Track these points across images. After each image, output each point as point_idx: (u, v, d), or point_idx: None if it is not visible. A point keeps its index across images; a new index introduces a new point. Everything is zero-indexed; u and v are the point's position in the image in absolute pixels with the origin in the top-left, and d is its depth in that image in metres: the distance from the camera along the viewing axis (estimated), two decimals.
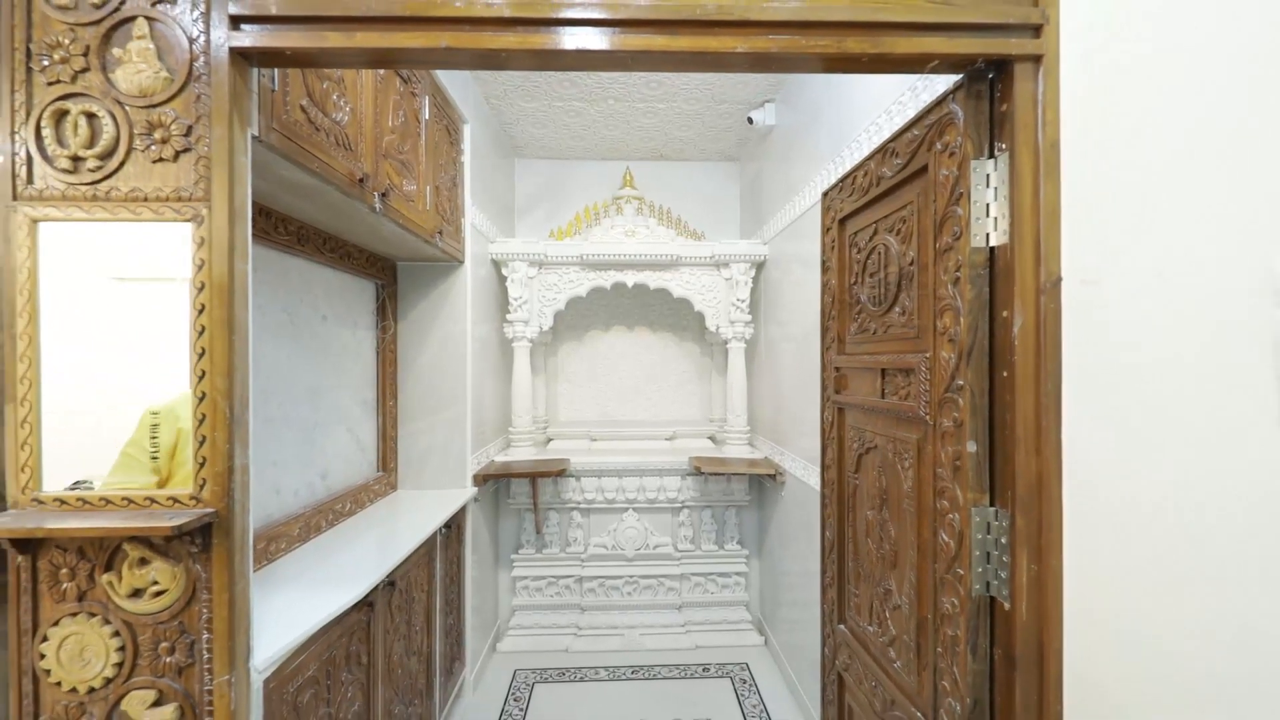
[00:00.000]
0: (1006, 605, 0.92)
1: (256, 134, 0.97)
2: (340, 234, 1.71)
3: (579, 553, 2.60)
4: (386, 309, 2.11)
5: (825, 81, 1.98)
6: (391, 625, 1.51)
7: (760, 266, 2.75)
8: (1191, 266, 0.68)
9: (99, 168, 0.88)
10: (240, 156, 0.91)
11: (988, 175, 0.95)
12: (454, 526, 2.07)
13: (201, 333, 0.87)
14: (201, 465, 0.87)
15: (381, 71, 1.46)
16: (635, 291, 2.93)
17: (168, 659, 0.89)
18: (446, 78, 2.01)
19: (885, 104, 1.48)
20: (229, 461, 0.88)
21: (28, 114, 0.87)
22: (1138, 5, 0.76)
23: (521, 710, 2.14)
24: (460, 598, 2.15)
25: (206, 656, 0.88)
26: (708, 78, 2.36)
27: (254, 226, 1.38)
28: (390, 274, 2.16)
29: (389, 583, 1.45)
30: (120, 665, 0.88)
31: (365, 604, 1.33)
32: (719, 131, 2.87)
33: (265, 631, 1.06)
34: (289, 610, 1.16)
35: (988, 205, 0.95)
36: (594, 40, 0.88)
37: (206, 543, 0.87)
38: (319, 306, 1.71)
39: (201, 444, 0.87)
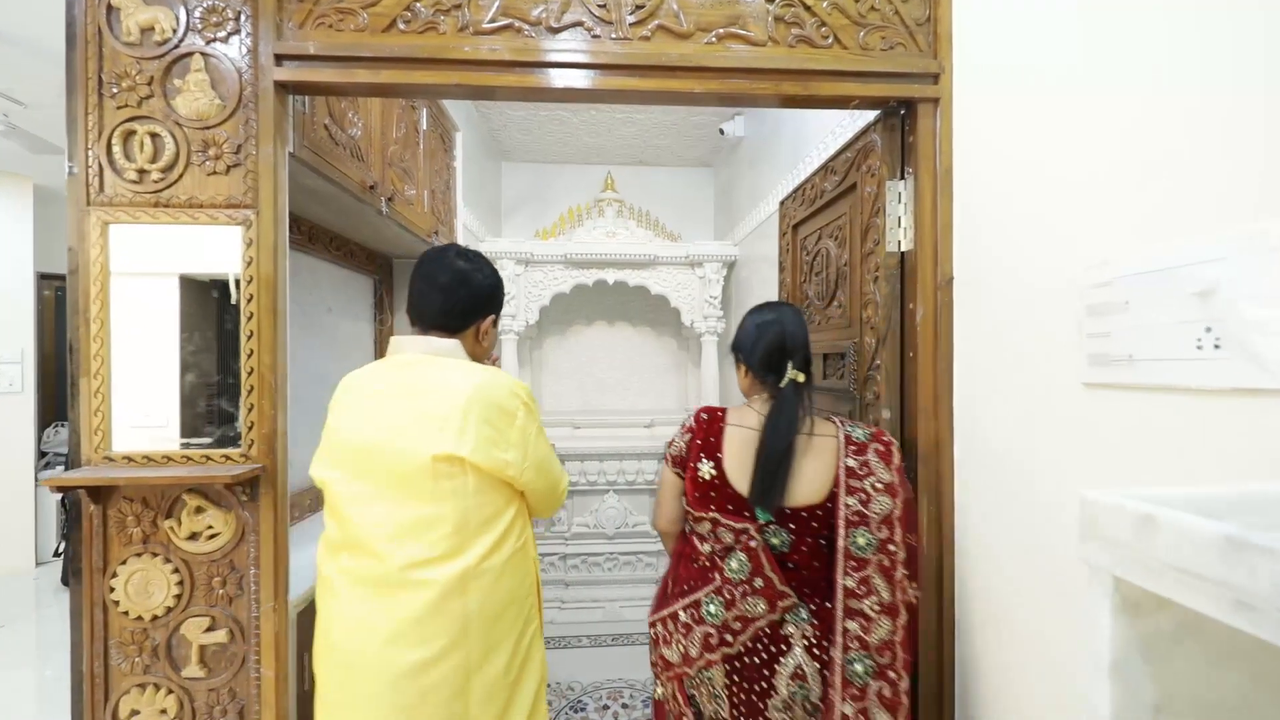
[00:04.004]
0: (912, 539, 1.14)
1: (291, 151, 1.14)
2: (345, 233, 1.87)
3: (563, 532, 2.79)
4: (383, 302, 2.28)
5: None
6: None
7: (731, 266, 2.97)
8: (1031, 271, 0.91)
9: (161, 179, 1.04)
10: (281, 171, 1.08)
11: (899, 193, 1.17)
12: None
13: (250, 318, 1.04)
14: (250, 428, 1.04)
15: None
16: (616, 289, 3.12)
17: (220, 591, 1.06)
18: None
19: (831, 125, 1.70)
20: (273, 425, 1.05)
21: (100, 133, 1.03)
22: (1003, 70, 0.98)
23: None
24: None
25: (253, 588, 1.06)
26: None
27: None
28: (386, 270, 2.32)
29: None
30: (179, 597, 1.05)
31: None
32: (694, 140, 3.08)
33: (291, 579, 1.22)
34: (308, 565, 1.33)
35: (899, 218, 1.17)
36: (577, 80, 1.08)
37: (254, 493, 1.05)
38: (325, 300, 1.87)
39: (250, 410, 1.04)
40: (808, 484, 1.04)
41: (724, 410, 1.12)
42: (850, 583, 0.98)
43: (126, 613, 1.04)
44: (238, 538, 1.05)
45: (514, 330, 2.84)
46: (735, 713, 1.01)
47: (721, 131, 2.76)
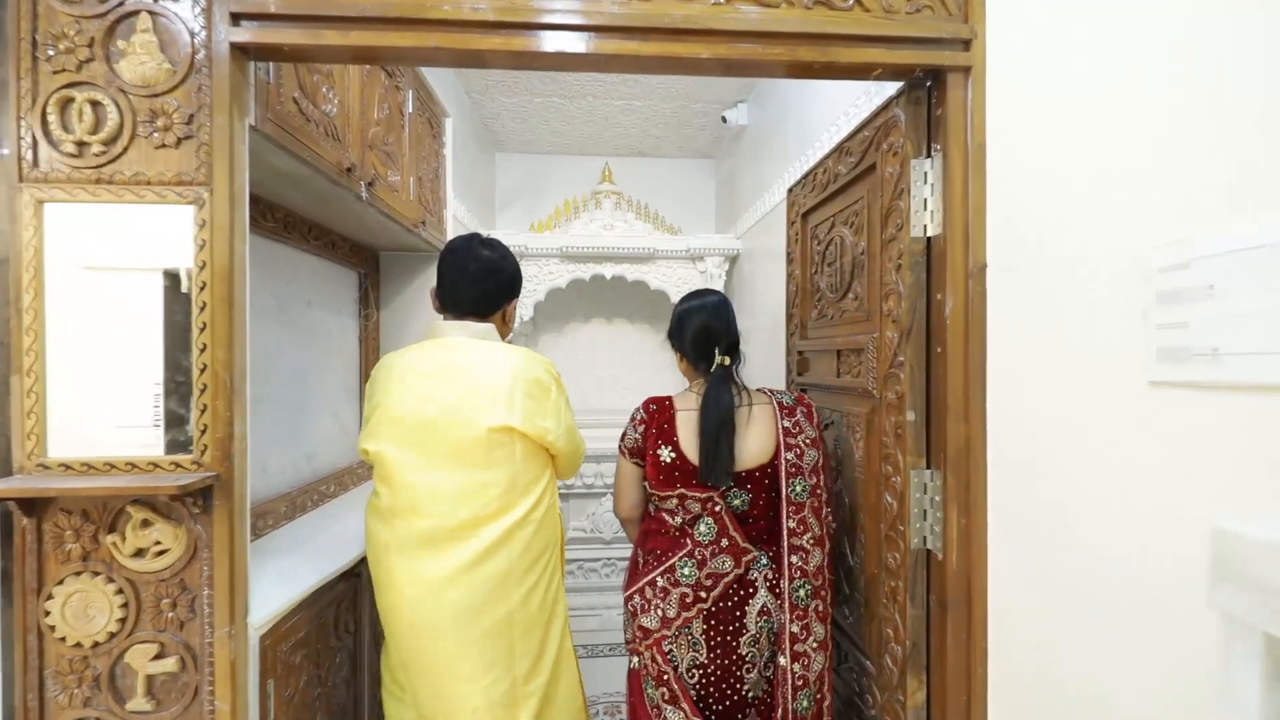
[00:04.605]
0: (939, 556, 1.04)
1: (253, 124, 1.03)
2: (325, 222, 1.76)
3: None
4: (369, 297, 2.16)
5: (792, 84, 2.09)
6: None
7: (734, 260, 2.86)
8: (1083, 254, 0.80)
9: (103, 152, 0.93)
10: (239, 145, 0.97)
11: (925, 173, 1.07)
12: None
13: (203, 308, 0.93)
14: (203, 432, 0.93)
15: (368, 66, 1.52)
16: (614, 284, 3.01)
17: (169, 614, 0.95)
18: (429, 72, 2.07)
19: (844, 106, 1.59)
20: (229, 428, 0.94)
21: (33, 101, 0.92)
22: (1049, 29, 0.87)
23: None
24: None
25: (207, 611, 0.94)
26: (683, 78, 2.45)
27: None
28: (373, 263, 2.20)
29: None
30: (124, 620, 0.94)
31: (352, 574, 1.39)
32: (695, 130, 2.97)
33: (257, 597, 1.12)
34: (279, 579, 1.22)
35: (925, 200, 1.06)
36: (571, 44, 0.97)
37: (208, 504, 0.93)
38: (304, 293, 1.76)
39: (203, 412, 0.93)
40: (755, 449, 1.20)
41: (670, 399, 1.25)
42: (792, 524, 1.17)
43: (64, 639, 0.93)
44: (189, 555, 0.94)
45: None
46: (712, 654, 1.17)
47: (724, 119, 2.65)
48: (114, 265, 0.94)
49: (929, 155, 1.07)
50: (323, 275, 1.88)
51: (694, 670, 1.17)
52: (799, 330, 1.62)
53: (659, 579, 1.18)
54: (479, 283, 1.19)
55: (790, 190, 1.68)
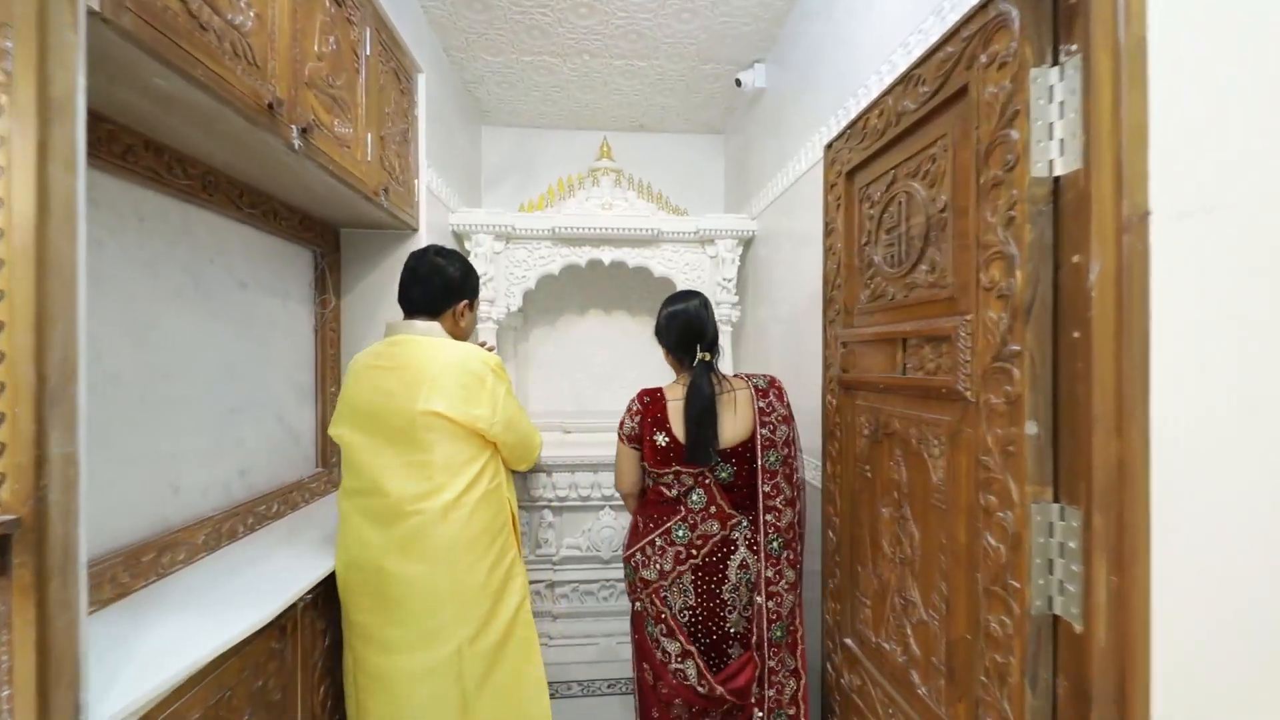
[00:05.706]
0: (1077, 627, 0.73)
1: (96, 8, 0.72)
2: (261, 185, 1.44)
3: (550, 555, 2.37)
4: (326, 281, 1.85)
5: (822, 31, 1.78)
6: (321, 649, 1.26)
7: (748, 244, 2.55)
8: None
9: None
10: (62, 33, 0.66)
11: (1051, 87, 0.76)
12: None
13: None
14: None
15: None
16: (613, 271, 2.70)
17: None
18: (397, 19, 1.76)
19: (902, 36, 1.28)
20: (41, 449, 0.63)
21: None
22: None
23: None
24: None
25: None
26: (693, 32, 2.14)
27: (139, 163, 1.12)
28: (331, 241, 1.89)
29: (313, 600, 1.21)
30: None
31: (278, 627, 1.09)
32: (704, 98, 2.66)
33: (133, 669, 0.81)
34: (174, 639, 0.92)
35: (1051, 125, 0.76)
36: None
37: (4, 563, 0.63)
38: (236, 270, 1.45)
39: None
40: (736, 428, 1.37)
41: (661, 390, 1.42)
42: (767, 488, 1.36)
43: None
44: None
45: (493, 318, 2.42)
46: (700, 599, 1.37)
47: (738, 82, 2.34)
48: None
49: (1057, 63, 0.76)
50: (263, 252, 1.57)
51: (685, 611, 1.38)
52: (841, 315, 1.32)
53: (657, 539, 1.38)
54: (426, 284, 1.32)
55: (829, 146, 1.37)
